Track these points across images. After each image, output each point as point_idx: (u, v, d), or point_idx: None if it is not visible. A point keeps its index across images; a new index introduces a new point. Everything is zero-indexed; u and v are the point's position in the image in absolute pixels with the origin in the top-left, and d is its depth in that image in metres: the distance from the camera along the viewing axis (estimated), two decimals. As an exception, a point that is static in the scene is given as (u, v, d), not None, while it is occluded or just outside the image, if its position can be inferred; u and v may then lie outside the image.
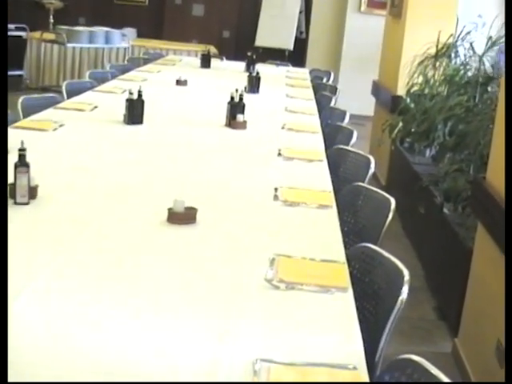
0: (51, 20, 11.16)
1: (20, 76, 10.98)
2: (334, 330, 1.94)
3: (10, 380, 1.54)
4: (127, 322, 1.90)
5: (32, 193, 2.75)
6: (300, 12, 11.67)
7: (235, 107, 4.59)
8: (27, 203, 2.71)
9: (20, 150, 2.71)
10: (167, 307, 2.01)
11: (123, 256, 2.36)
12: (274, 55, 10.35)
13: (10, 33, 10.61)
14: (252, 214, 2.90)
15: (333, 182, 3.48)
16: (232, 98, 4.59)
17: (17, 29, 10.80)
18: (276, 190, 3.18)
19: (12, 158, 2.73)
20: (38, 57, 10.82)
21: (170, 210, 2.67)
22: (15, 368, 1.59)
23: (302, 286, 2.16)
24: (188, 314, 1.98)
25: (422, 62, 6.20)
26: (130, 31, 11.08)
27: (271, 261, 2.33)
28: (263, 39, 11.41)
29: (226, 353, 1.76)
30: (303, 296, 2.11)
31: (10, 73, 10.70)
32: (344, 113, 5.34)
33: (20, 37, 10.81)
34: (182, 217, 2.67)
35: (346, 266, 2.36)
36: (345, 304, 2.08)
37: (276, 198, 3.09)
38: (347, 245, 2.67)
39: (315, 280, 2.19)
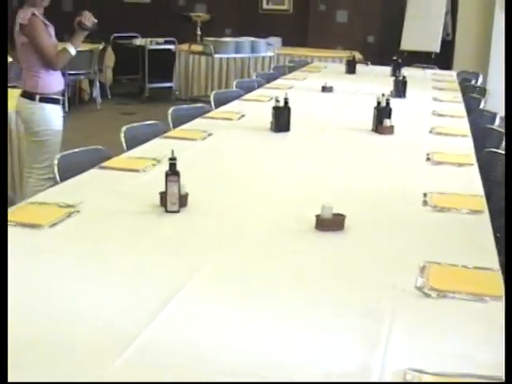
0: (198, 32, 11.42)
1: (170, 88, 11.31)
2: (487, 340, 1.87)
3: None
4: (278, 326, 1.91)
5: (182, 201, 2.82)
6: (446, 13, 11.40)
7: (382, 112, 4.54)
8: (178, 211, 2.78)
9: (170, 159, 2.78)
10: (318, 314, 2.00)
11: (271, 263, 2.38)
12: (420, 58, 10.16)
13: (159, 46, 11.00)
14: (401, 220, 2.85)
15: (484, 186, 3.37)
16: (378, 103, 4.54)
17: (166, 42, 11.13)
18: (425, 195, 3.11)
19: (163, 167, 2.81)
20: (186, 68, 11.11)
21: (317, 216, 2.66)
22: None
23: (454, 294, 2.10)
24: (339, 320, 1.96)
25: None
26: (276, 40, 11.16)
27: (422, 268, 2.28)
28: (408, 42, 11.22)
29: (377, 361, 1.73)
30: (455, 304, 2.05)
31: (160, 85, 11.15)
32: (494, 115, 5.17)
33: (169, 50, 11.13)
34: (330, 223, 2.66)
35: (500, 273, 2.28)
36: (499, 314, 2.00)
37: (425, 203, 3.02)
38: (500, 252, 2.57)
39: (468, 288, 2.13)
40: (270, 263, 2.38)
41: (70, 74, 9.75)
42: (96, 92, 10.51)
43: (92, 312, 1.97)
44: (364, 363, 1.72)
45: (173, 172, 2.78)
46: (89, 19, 4.60)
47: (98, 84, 10.50)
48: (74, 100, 10.38)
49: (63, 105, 4.86)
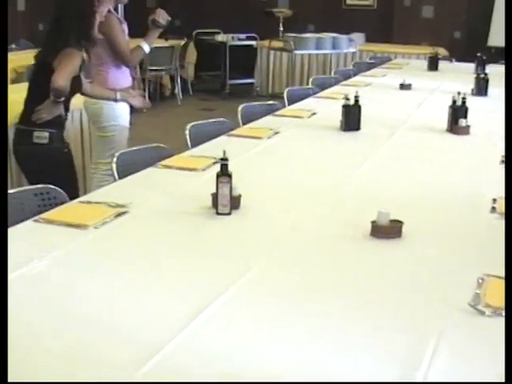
0: (281, 28, 11.32)
1: (251, 84, 11.26)
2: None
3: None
4: (319, 339, 1.79)
5: (234, 203, 2.71)
6: (538, 8, 10.99)
7: (457, 111, 4.35)
8: (229, 213, 2.68)
9: (222, 159, 2.69)
10: (362, 326, 1.87)
11: (323, 270, 2.26)
12: (509, 55, 9.79)
13: (241, 42, 10.95)
14: (464, 228, 2.67)
15: None
16: (454, 102, 4.35)
17: (248, 38, 11.07)
18: (494, 201, 2.92)
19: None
20: (267, 65, 11.03)
21: (373, 222, 2.52)
22: None
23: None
24: (382, 334, 1.82)
25: None
26: (358, 36, 10.98)
27: (479, 282, 2.11)
28: (496, 38, 10.84)
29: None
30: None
31: (241, 81, 11.11)
32: None
33: (251, 46, 11.07)
34: (386, 230, 2.51)
35: None
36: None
37: (493, 210, 2.84)
38: None
39: (527, 306, 1.95)
40: (319, 270, 2.25)
41: (150, 69, 9.82)
42: (177, 88, 10.53)
43: (127, 315, 1.90)
44: (403, 387, 1.58)
45: (224, 173, 2.68)
46: (162, 17, 4.56)
47: (179, 80, 10.52)
48: (155, 96, 10.43)
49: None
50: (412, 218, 2.60)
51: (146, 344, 1.73)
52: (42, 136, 3.82)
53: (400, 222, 2.54)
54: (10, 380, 1.51)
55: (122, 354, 1.70)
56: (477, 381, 1.62)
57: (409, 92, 6.06)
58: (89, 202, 2.81)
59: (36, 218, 2.62)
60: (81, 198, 2.93)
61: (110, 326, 1.83)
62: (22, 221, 2.60)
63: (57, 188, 2.91)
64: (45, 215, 2.64)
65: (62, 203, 2.84)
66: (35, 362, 1.64)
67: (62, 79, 3.69)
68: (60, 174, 3.86)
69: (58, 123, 3.87)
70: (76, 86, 3.94)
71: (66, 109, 3.91)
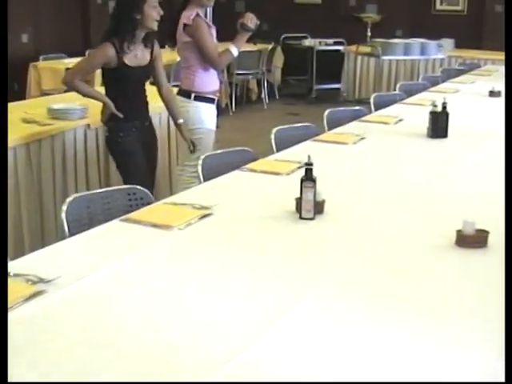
0: (368, 33, 11.24)
1: (337, 89, 11.22)
2: None
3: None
4: (409, 346, 1.78)
5: (318, 208, 2.71)
6: None
7: (548, 120, 4.23)
8: (312, 218, 2.68)
9: (307, 164, 2.69)
10: (447, 336, 1.85)
11: (408, 280, 2.24)
12: None
13: (328, 47, 10.94)
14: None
15: None
16: (545, 110, 4.24)
17: (335, 43, 11.05)
18: None
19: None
20: (354, 70, 10.97)
21: (458, 231, 2.49)
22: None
23: None
24: (469, 345, 1.80)
25: None
26: (448, 42, 10.81)
27: None
28: None
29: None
30: None
31: (328, 86, 11.08)
32: None
33: (338, 51, 11.04)
34: (472, 240, 2.47)
35: None
36: None
37: None
38: None
39: None
40: (402, 279, 2.23)
41: (238, 73, 9.90)
42: (264, 92, 10.59)
43: (204, 319, 1.92)
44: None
45: (308, 178, 2.68)
46: (251, 21, 4.59)
47: (265, 84, 10.57)
48: (242, 100, 10.51)
49: (218, 105, 4.87)
50: (498, 228, 2.55)
51: (224, 347, 1.76)
52: (105, 129, 4.27)
53: (486, 232, 2.49)
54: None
55: (201, 355, 1.72)
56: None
57: (498, 99, 5.93)
58: (174, 204, 2.86)
59: (123, 217, 2.68)
60: (166, 200, 2.98)
61: (190, 327, 1.87)
62: (110, 220, 2.67)
63: (143, 189, 2.97)
64: (131, 215, 2.70)
65: (149, 204, 2.90)
66: (127, 363, 1.68)
67: (68, 75, 4.22)
68: (120, 164, 4.27)
69: (116, 116, 4.10)
70: (131, 78, 4.14)
71: (119, 104, 4.11)
